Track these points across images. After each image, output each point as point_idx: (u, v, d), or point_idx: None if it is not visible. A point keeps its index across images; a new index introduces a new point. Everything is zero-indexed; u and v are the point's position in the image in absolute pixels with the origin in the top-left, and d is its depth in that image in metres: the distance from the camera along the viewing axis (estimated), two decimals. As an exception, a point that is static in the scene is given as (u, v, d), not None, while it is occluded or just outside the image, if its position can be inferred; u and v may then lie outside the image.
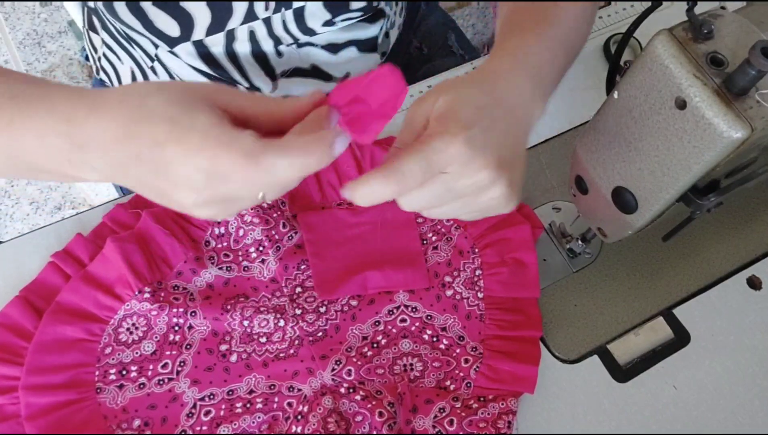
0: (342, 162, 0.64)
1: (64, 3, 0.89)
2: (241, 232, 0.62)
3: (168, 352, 0.57)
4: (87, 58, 0.87)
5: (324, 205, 0.64)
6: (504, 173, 0.42)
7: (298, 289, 0.61)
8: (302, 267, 0.61)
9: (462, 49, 0.91)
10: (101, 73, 0.80)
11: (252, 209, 0.60)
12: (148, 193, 0.40)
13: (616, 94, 0.46)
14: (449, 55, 0.89)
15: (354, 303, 0.61)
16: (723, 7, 0.44)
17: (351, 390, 0.56)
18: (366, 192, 0.41)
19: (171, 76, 0.71)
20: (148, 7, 0.59)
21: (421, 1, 0.91)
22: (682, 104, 0.41)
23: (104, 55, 0.76)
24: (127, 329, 0.57)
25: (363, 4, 0.66)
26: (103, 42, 0.75)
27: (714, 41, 0.41)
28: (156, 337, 0.58)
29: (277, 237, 0.61)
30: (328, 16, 0.65)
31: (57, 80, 1.73)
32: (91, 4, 0.61)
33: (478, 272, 0.62)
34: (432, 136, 0.40)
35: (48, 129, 0.40)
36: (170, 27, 0.62)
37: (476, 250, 0.63)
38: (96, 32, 0.76)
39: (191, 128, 0.36)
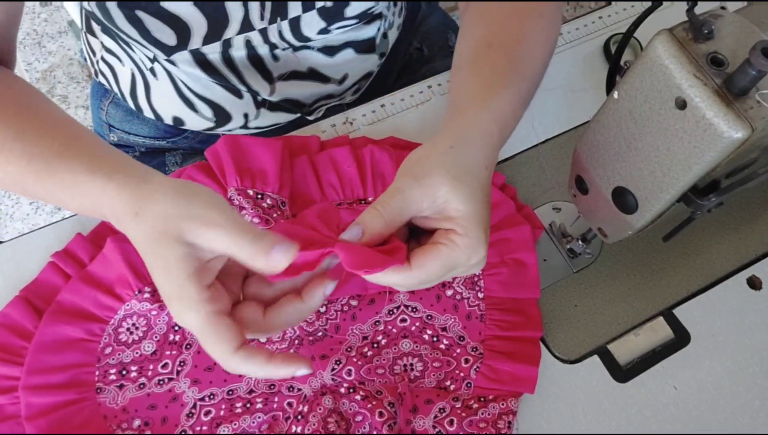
0: (342, 162, 0.64)
1: (64, 3, 0.89)
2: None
3: (168, 352, 0.57)
4: (86, 60, 0.87)
5: (324, 205, 0.64)
6: (485, 252, 0.46)
7: (298, 289, 0.61)
8: (302, 267, 0.61)
9: (462, 50, 0.91)
10: (100, 76, 0.80)
11: (252, 209, 0.60)
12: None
13: (616, 94, 0.46)
14: (449, 56, 0.89)
15: (354, 303, 0.61)
16: (723, 7, 0.44)
17: (351, 390, 0.56)
18: (388, 280, 0.44)
19: (170, 78, 0.71)
20: (144, 17, 0.59)
21: (422, 0, 0.91)
22: (682, 104, 0.41)
23: (102, 58, 0.76)
24: (127, 329, 0.57)
25: (359, 11, 0.66)
26: (102, 45, 0.75)
27: (714, 41, 0.41)
28: (156, 337, 0.58)
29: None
30: (323, 24, 0.65)
31: (57, 81, 1.72)
32: (87, 7, 0.61)
33: (478, 272, 0.62)
34: (459, 250, 0.44)
35: (78, 204, 0.47)
36: (167, 36, 0.62)
37: (476, 250, 0.63)
38: (94, 35, 0.76)
39: (187, 310, 0.41)
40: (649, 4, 0.73)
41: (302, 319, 0.45)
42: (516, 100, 0.52)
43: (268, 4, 0.62)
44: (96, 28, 0.75)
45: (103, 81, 0.80)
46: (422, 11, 0.91)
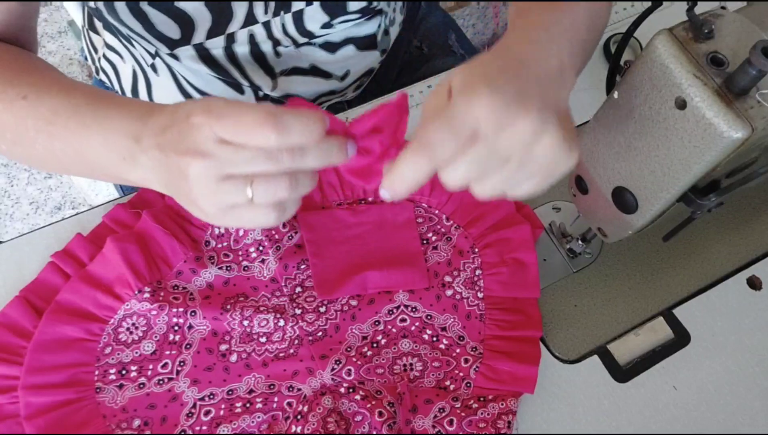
0: (342, 162, 0.64)
1: (64, 3, 0.89)
2: (241, 232, 0.62)
3: (168, 352, 0.57)
4: (87, 58, 0.87)
5: (324, 205, 0.64)
6: (549, 116, 0.37)
7: (298, 289, 0.61)
8: (302, 267, 0.61)
9: (462, 49, 0.91)
10: (101, 73, 0.80)
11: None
12: (176, 192, 0.44)
13: (616, 94, 0.46)
14: (449, 55, 0.89)
15: (354, 303, 0.61)
16: (723, 7, 0.44)
17: (351, 390, 0.56)
18: (400, 177, 0.39)
19: (172, 74, 0.71)
20: (150, 10, 0.59)
21: (422, 0, 0.91)
22: (682, 104, 0.41)
23: (104, 55, 0.76)
24: (127, 329, 0.57)
25: (361, 5, 0.66)
26: (104, 42, 0.75)
27: (714, 41, 0.41)
28: (156, 337, 0.57)
29: (277, 237, 0.61)
30: (326, 18, 0.65)
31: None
32: (92, 4, 0.61)
33: (478, 272, 0.62)
34: (452, 100, 0.38)
35: (114, 129, 0.46)
36: (171, 30, 0.62)
37: (476, 250, 0.63)
38: (96, 32, 0.76)
39: (222, 100, 0.40)
40: (649, 4, 0.73)
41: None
42: (577, 21, 0.47)
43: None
44: (98, 25, 0.75)
45: (104, 78, 0.79)
46: (422, 10, 0.91)
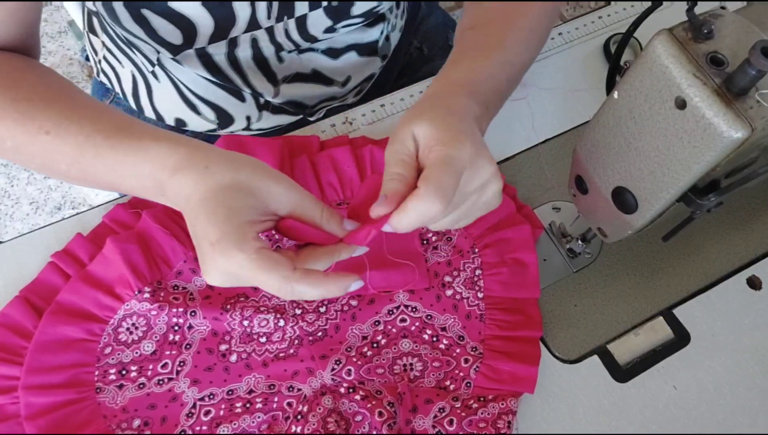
0: (342, 162, 0.64)
1: (64, 3, 0.89)
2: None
3: (168, 352, 0.57)
4: (87, 59, 0.87)
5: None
6: (497, 168, 0.46)
7: (298, 289, 0.61)
8: (302, 267, 0.61)
9: (462, 49, 0.91)
10: (101, 75, 0.80)
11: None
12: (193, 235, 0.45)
13: (616, 94, 0.46)
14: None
15: (354, 303, 0.61)
16: (723, 7, 0.44)
17: (351, 390, 0.56)
18: (414, 216, 0.42)
19: (172, 81, 0.71)
20: (151, 16, 0.59)
21: (422, 0, 0.91)
22: (682, 104, 0.41)
23: (104, 57, 0.76)
24: (127, 329, 0.57)
25: (365, 9, 0.66)
26: (104, 45, 0.75)
27: (714, 41, 0.41)
28: (156, 337, 0.58)
29: (276, 237, 0.61)
30: (329, 22, 0.65)
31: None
32: (91, 6, 0.61)
33: (478, 272, 0.62)
34: (446, 150, 0.43)
35: (137, 172, 0.47)
36: (173, 35, 0.62)
37: (476, 250, 0.63)
38: (96, 35, 0.76)
39: (237, 250, 0.41)
40: (649, 4, 0.73)
41: (331, 261, 0.46)
42: (496, 64, 0.53)
43: (275, 3, 0.62)
44: (98, 27, 0.75)
45: (105, 80, 0.79)
46: (422, 11, 0.91)
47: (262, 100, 0.73)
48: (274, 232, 0.57)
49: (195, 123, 0.75)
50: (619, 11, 0.80)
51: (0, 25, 0.54)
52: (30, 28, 0.58)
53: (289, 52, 0.69)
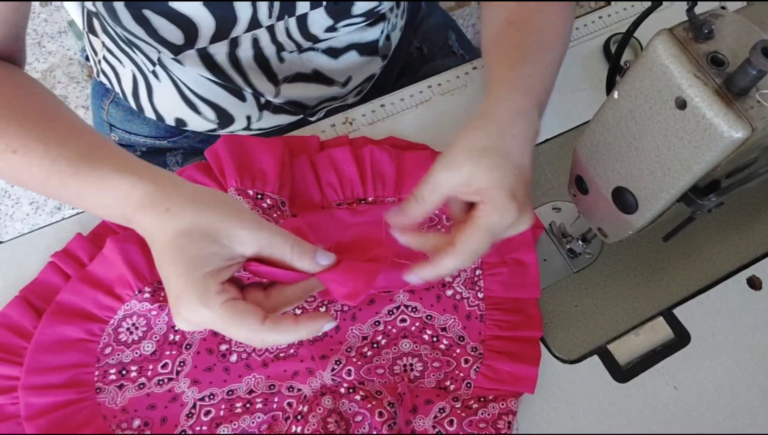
0: (342, 162, 0.64)
1: (64, 3, 0.89)
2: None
3: (168, 352, 0.57)
4: (87, 59, 0.87)
5: (324, 205, 0.64)
6: (529, 206, 0.49)
7: (298, 289, 0.61)
8: (302, 267, 0.61)
9: (462, 49, 0.91)
10: (101, 75, 0.80)
11: (252, 209, 0.60)
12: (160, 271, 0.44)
13: (616, 94, 0.46)
14: (449, 55, 0.89)
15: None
16: (723, 7, 0.44)
17: (351, 390, 0.56)
18: (445, 271, 0.48)
19: (173, 80, 0.71)
20: (152, 16, 0.59)
21: (422, 0, 0.91)
22: (682, 104, 0.41)
23: (104, 58, 0.76)
24: (127, 329, 0.57)
25: (365, 9, 0.66)
26: (104, 45, 0.75)
27: (714, 41, 0.41)
28: (156, 337, 0.57)
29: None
30: (330, 22, 0.65)
31: (57, 81, 1.71)
32: (91, 7, 0.61)
33: (478, 272, 0.62)
34: (493, 217, 0.47)
35: (101, 202, 0.47)
36: (174, 35, 0.62)
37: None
38: (96, 35, 0.76)
39: (201, 306, 0.41)
40: (649, 4, 0.73)
41: (305, 298, 0.46)
42: (540, 66, 0.55)
43: (276, 3, 0.62)
44: (98, 27, 0.74)
45: (105, 81, 0.79)
46: (422, 11, 0.91)
47: (262, 100, 0.73)
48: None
49: (195, 123, 0.75)
50: (619, 11, 0.80)
51: None
52: (15, 31, 0.57)
53: (290, 52, 0.69)
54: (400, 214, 0.49)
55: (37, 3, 1.76)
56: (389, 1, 0.69)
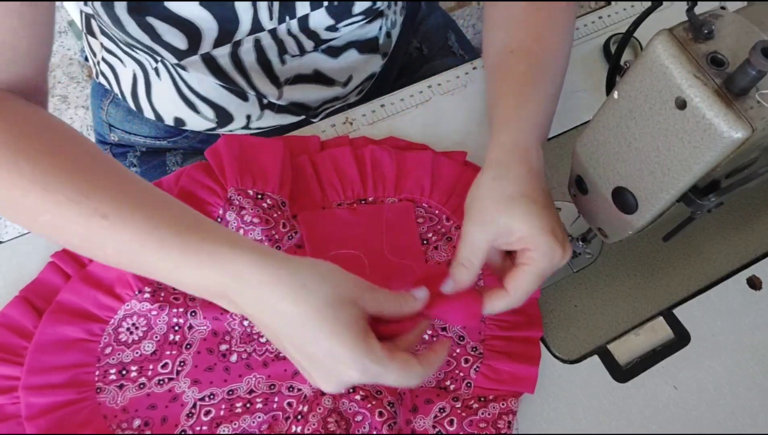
0: (342, 161, 0.65)
1: (64, 3, 0.89)
2: (241, 232, 0.62)
3: (168, 352, 0.57)
4: (87, 59, 0.87)
5: (324, 205, 0.64)
6: (566, 238, 0.52)
7: (298, 289, 0.61)
8: (302, 267, 0.61)
9: (462, 50, 0.91)
10: (100, 77, 0.80)
11: (252, 209, 0.60)
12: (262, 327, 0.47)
13: (616, 95, 0.46)
14: (449, 56, 0.89)
15: (354, 303, 0.60)
16: (723, 7, 0.44)
17: (351, 390, 0.56)
18: (498, 309, 0.52)
19: (173, 79, 0.71)
20: (155, 22, 0.59)
21: (422, 0, 0.91)
22: (682, 104, 0.41)
23: (103, 58, 0.76)
24: (127, 329, 0.57)
25: (365, 7, 0.66)
26: (102, 46, 0.75)
27: (714, 41, 0.41)
28: (156, 337, 0.57)
29: (277, 237, 0.61)
30: (331, 21, 0.65)
31: (57, 81, 1.71)
32: (88, 9, 0.61)
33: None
34: (541, 262, 0.50)
35: (208, 277, 0.45)
36: (178, 41, 0.62)
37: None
38: (95, 36, 0.76)
39: (375, 361, 0.44)
40: (649, 4, 0.73)
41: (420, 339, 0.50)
42: (544, 101, 0.57)
43: (276, 4, 0.62)
44: (96, 29, 0.74)
45: (104, 82, 0.79)
46: (422, 11, 0.91)
47: (265, 101, 0.74)
48: (273, 234, 0.57)
49: (194, 122, 0.75)
50: (619, 11, 0.80)
51: (13, 59, 0.51)
52: (43, 65, 0.54)
53: (293, 55, 0.69)
54: (454, 284, 0.52)
55: (37, 3, 1.76)
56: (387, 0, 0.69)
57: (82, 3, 0.68)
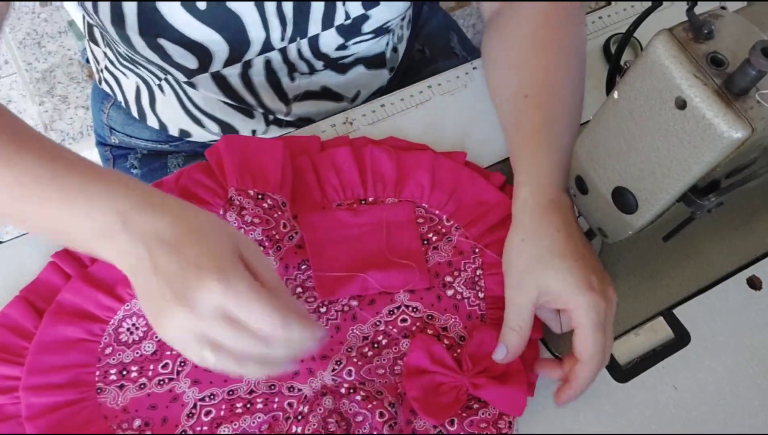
0: (342, 162, 0.65)
1: (64, 3, 0.89)
2: (241, 232, 0.62)
3: (168, 352, 0.57)
4: (87, 60, 0.87)
5: (324, 205, 0.64)
6: (607, 280, 0.53)
7: (299, 290, 0.61)
8: (303, 267, 0.61)
9: (464, 51, 0.91)
10: (103, 83, 0.80)
11: (252, 209, 0.60)
12: (140, 292, 0.44)
13: (616, 95, 0.46)
14: (451, 57, 0.90)
15: (354, 303, 0.61)
16: (723, 7, 0.44)
17: (351, 390, 0.56)
18: (583, 386, 0.54)
19: (177, 95, 0.71)
20: (166, 44, 0.59)
21: (423, 1, 0.91)
22: (682, 104, 0.41)
23: (106, 68, 0.76)
24: (128, 329, 0.57)
25: (376, 26, 0.66)
26: (105, 56, 0.75)
27: (714, 41, 0.41)
28: (156, 337, 0.57)
29: (277, 237, 0.61)
30: (341, 40, 0.66)
31: (57, 81, 1.71)
32: (91, 20, 0.61)
33: (478, 272, 0.62)
34: (582, 313, 0.51)
35: (102, 202, 0.44)
36: (188, 60, 0.62)
37: (476, 251, 0.63)
38: (97, 45, 0.76)
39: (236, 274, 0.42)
40: (649, 4, 0.73)
41: None
42: (562, 141, 0.58)
43: (290, 26, 0.62)
44: (99, 38, 0.74)
45: (107, 89, 0.79)
46: (424, 13, 0.91)
47: (271, 118, 0.74)
48: (273, 233, 0.57)
49: (199, 134, 0.76)
50: (619, 11, 0.80)
51: None
52: None
53: (303, 73, 0.69)
54: (507, 352, 0.54)
55: (38, 3, 1.76)
56: (398, 19, 0.69)
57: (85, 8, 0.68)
